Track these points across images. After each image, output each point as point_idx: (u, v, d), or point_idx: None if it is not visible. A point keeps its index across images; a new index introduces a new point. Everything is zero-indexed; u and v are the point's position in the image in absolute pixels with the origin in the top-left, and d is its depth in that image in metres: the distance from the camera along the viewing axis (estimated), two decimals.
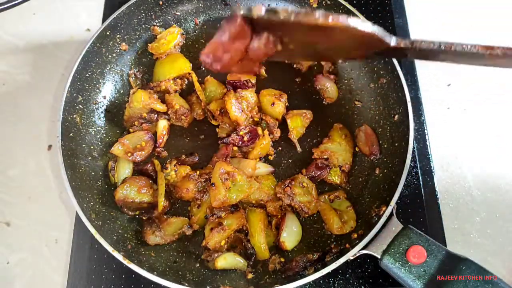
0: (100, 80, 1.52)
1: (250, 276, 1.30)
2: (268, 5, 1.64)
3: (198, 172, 1.40)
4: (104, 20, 1.52)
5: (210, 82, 1.55)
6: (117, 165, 1.43)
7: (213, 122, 1.52)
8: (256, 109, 1.48)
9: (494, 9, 1.82)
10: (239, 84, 1.45)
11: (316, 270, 1.17)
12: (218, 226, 1.30)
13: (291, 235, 1.34)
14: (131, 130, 1.50)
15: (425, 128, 1.56)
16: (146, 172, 1.42)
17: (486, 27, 1.78)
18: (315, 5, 1.58)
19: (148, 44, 1.60)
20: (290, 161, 1.49)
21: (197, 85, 1.53)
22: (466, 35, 1.76)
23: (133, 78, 1.58)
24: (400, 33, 1.71)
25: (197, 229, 1.37)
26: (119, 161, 1.44)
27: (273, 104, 1.46)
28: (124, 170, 1.42)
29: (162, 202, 1.34)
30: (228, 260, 1.29)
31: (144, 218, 1.38)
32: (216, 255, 1.30)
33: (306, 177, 1.41)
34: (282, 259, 1.33)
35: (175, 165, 1.42)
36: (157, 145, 1.48)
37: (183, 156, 1.47)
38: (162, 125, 1.48)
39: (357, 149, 1.48)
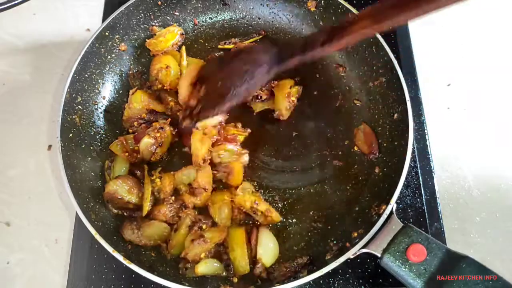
0: (99, 81, 1.52)
1: (235, 279, 1.27)
2: (267, 5, 1.66)
3: (173, 198, 1.37)
4: (104, 20, 1.52)
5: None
6: (114, 164, 1.43)
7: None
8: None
9: None
10: None
11: (310, 272, 1.16)
12: (199, 238, 1.27)
13: (267, 251, 1.28)
14: (130, 130, 1.50)
15: (425, 128, 1.56)
16: (136, 176, 1.42)
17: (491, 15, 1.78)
18: (313, 9, 1.58)
19: (146, 40, 1.59)
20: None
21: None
22: (468, 26, 1.76)
23: (132, 79, 1.58)
24: (400, 31, 1.70)
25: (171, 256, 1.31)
26: (116, 160, 1.43)
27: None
28: (120, 169, 1.42)
29: (147, 207, 1.33)
30: (208, 265, 1.25)
31: (125, 214, 1.37)
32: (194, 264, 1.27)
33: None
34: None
35: (159, 172, 1.41)
36: None
37: None
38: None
39: (356, 148, 1.48)
